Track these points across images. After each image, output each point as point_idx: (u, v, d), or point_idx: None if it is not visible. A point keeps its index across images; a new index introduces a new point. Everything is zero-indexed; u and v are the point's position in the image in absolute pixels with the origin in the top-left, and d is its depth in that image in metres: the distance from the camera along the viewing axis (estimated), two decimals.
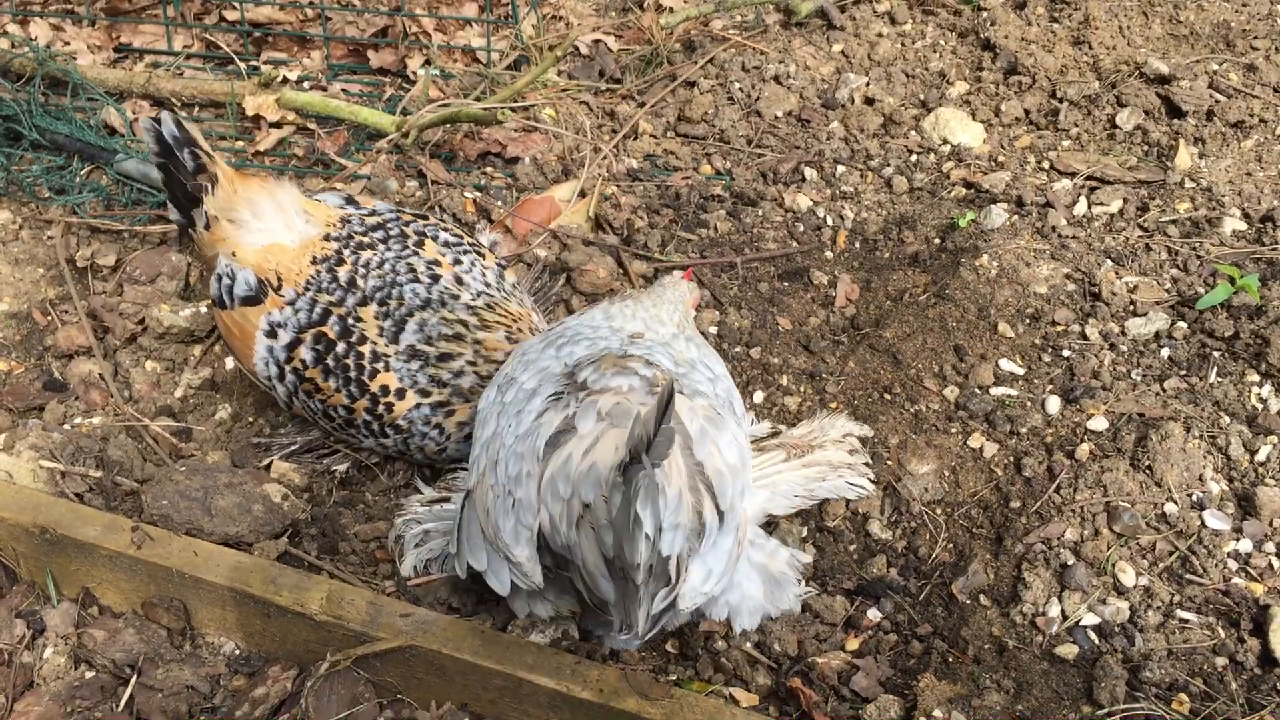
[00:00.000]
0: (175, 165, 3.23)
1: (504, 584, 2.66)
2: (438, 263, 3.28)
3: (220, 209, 3.24)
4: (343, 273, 3.22)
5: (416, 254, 3.28)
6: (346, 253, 3.26)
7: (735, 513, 2.57)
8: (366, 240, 3.29)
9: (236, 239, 3.25)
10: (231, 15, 5.08)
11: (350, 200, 3.49)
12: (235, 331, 3.26)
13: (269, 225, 3.27)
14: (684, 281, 3.19)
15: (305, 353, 3.16)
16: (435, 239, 3.35)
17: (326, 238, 3.28)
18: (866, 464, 3.20)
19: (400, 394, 3.13)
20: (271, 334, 3.20)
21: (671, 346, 2.86)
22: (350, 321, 3.16)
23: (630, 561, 2.31)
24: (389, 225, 3.35)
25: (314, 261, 3.24)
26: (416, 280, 3.22)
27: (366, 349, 3.15)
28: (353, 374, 3.15)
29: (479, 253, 3.39)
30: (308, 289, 3.20)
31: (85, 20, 5.11)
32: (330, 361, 3.15)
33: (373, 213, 3.41)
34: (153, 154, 3.25)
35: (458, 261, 3.31)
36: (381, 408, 3.14)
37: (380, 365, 3.14)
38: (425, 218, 3.45)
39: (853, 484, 3.13)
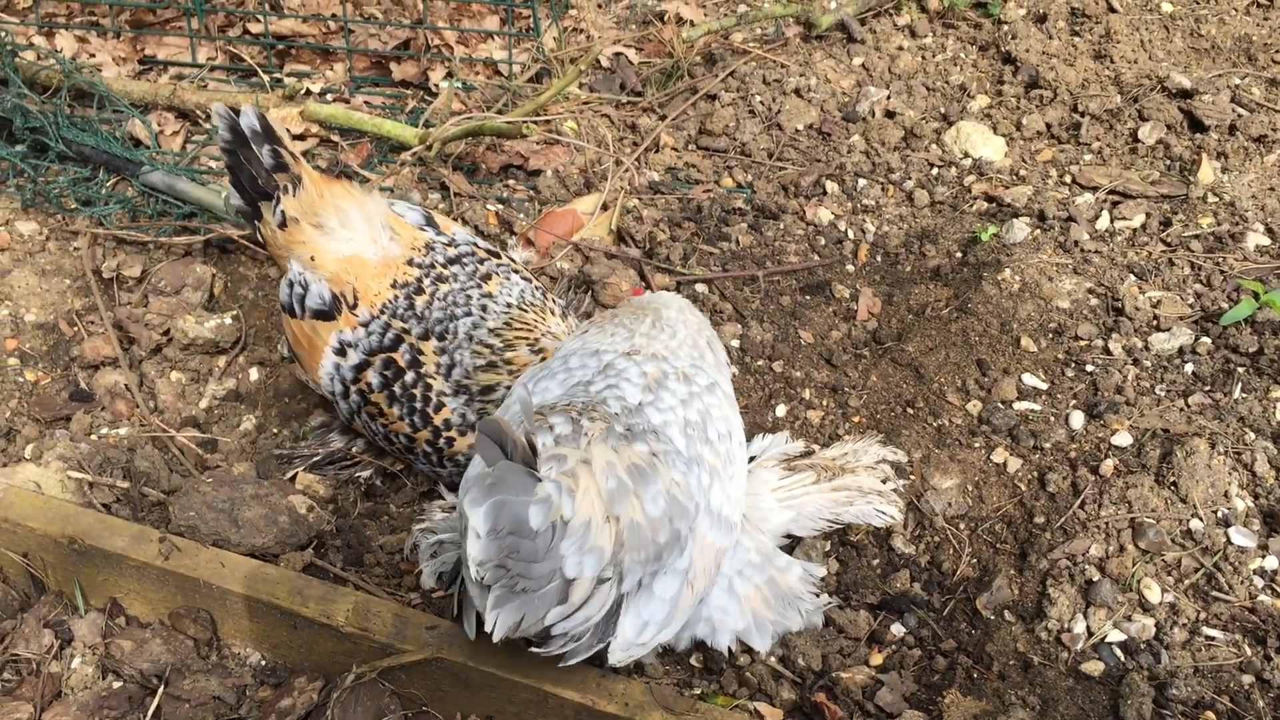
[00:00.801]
0: (247, 156, 3.20)
1: (472, 629, 2.67)
2: (491, 295, 3.26)
3: (303, 211, 3.20)
4: (420, 302, 3.20)
5: (480, 286, 3.27)
6: (427, 282, 3.23)
7: (667, 561, 2.49)
8: (446, 273, 3.27)
9: (318, 244, 3.21)
10: (255, 28, 5.11)
11: (430, 221, 3.45)
12: (303, 341, 3.25)
13: (355, 236, 3.23)
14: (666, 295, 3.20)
15: (373, 376, 3.16)
16: (497, 275, 3.33)
17: (410, 262, 3.26)
18: (897, 491, 3.19)
19: (462, 431, 3.14)
20: (340, 352, 3.18)
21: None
22: (418, 353, 3.15)
23: (463, 558, 2.29)
24: (464, 260, 3.33)
25: (394, 285, 3.21)
26: (469, 314, 3.21)
27: (435, 383, 3.15)
28: (418, 404, 3.14)
29: (513, 271, 3.39)
30: (383, 312, 3.18)
31: (110, 33, 5.15)
32: (397, 389, 3.15)
33: (452, 241, 3.37)
34: (221, 141, 3.21)
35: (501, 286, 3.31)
36: (443, 441, 3.15)
37: (444, 400, 3.15)
38: (498, 255, 3.41)
39: (881, 511, 3.12)
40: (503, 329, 3.20)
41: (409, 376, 3.14)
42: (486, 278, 3.29)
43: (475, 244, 3.42)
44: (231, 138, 3.20)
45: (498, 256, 3.41)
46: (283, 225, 3.22)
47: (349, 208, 3.24)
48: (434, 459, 3.19)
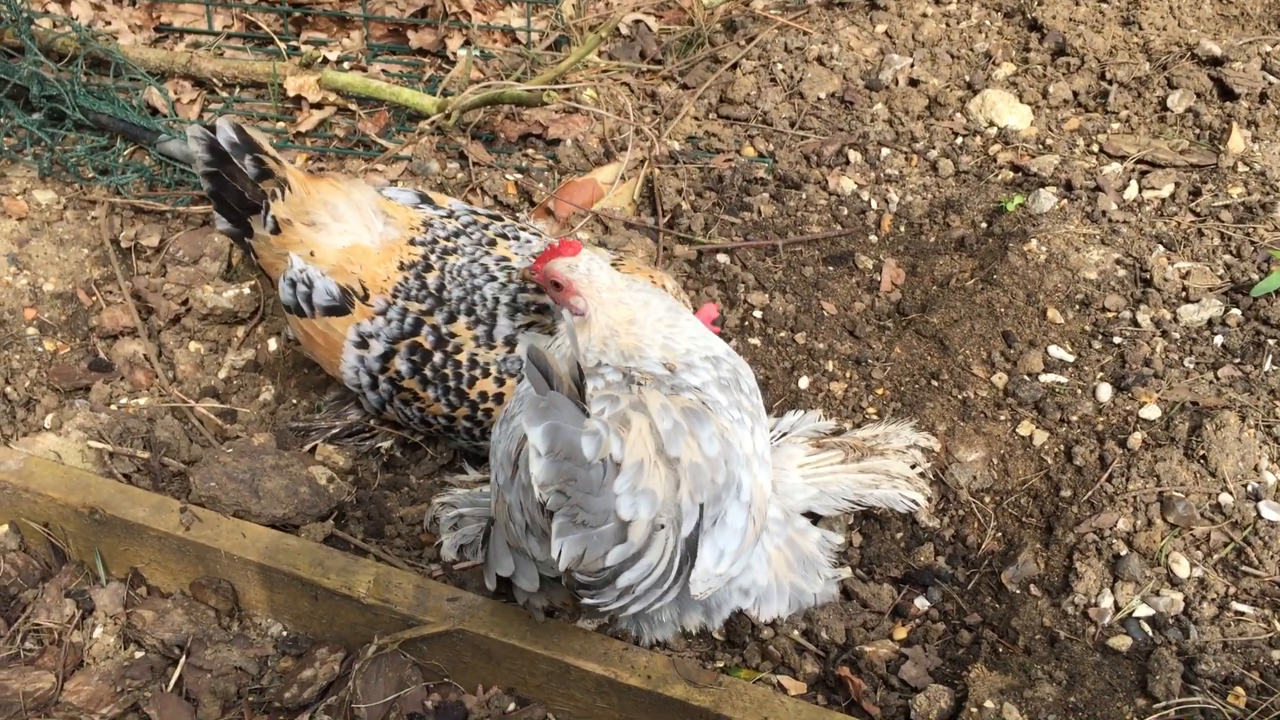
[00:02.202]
0: (231, 173, 3.21)
1: (533, 580, 2.61)
2: (507, 258, 3.22)
3: (293, 212, 3.20)
4: (431, 279, 3.17)
5: (489, 253, 3.24)
6: (433, 258, 3.21)
7: (727, 501, 2.46)
8: (451, 245, 3.24)
9: (314, 240, 3.21)
10: None
11: (425, 198, 3.44)
12: (319, 340, 3.22)
13: (348, 226, 3.22)
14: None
15: (400, 364, 3.13)
16: (505, 237, 3.30)
17: (411, 241, 3.23)
18: (925, 477, 3.15)
19: (499, 398, 3.10)
20: (362, 344, 3.15)
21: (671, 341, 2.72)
22: (444, 333, 3.12)
23: (523, 482, 2.23)
24: (468, 229, 3.30)
25: (402, 267, 3.19)
26: (493, 279, 3.17)
27: (464, 357, 3.10)
28: (451, 383, 3.11)
29: (521, 229, 3.35)
30: (396, 296, 3.15)
31: (126, 0, 5.11)
32: (428, 372, 3.12)
33: (450, 214, 3.36)
34: (201, 163, 3.23)
35: (518, 252, 3.27)
36: (481, 414, 3.12)
37: (478, 372, 3.10)
38: (500, 219, 3.39)
39: (906, 497, 3.07)
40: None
41: (437, 358, 3.11)
42: (493, 243, 3.26)
43: (475, 212, 3.40)
44: (211, 157, 3.21)
45: (500, 220, 3.38)
46: (275, 231, 3.22)
47: (336, 200, 3.24)
48: (475, 433, 3.16)
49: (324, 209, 3.22)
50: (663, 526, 2.31)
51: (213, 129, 3.19)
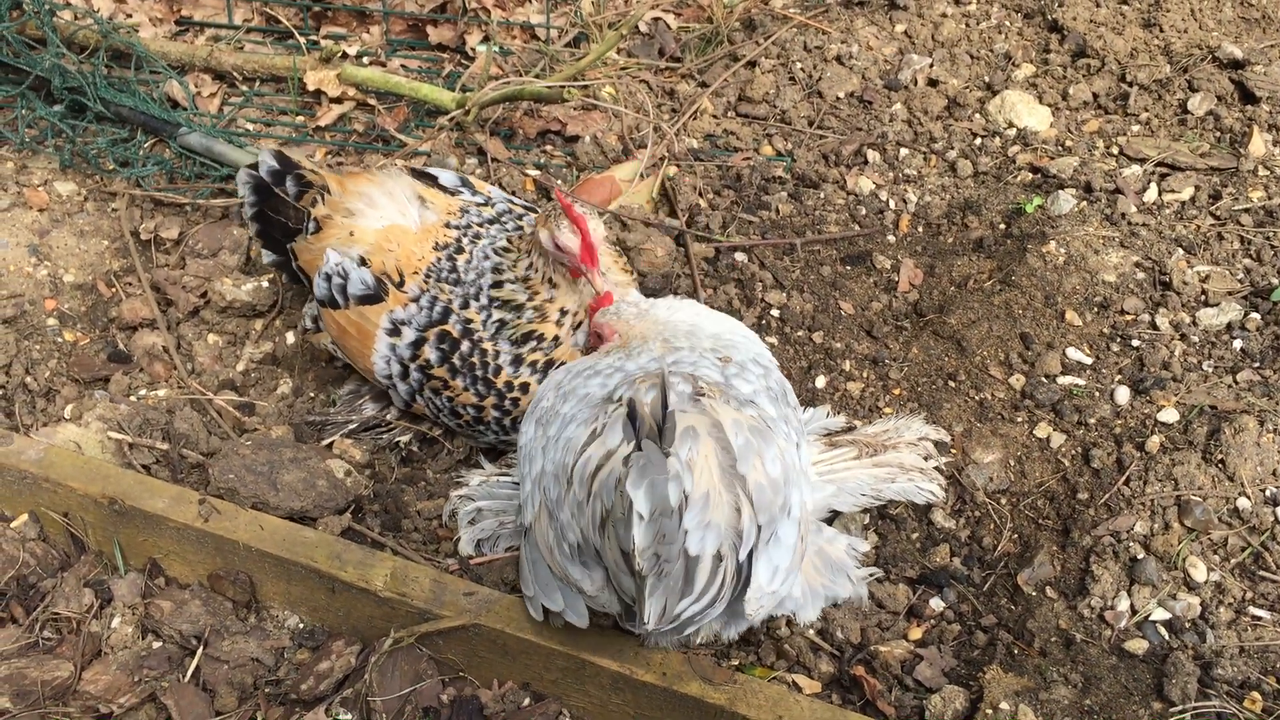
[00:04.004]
0: (275, 207, 3.33)
1: (583, 617, 2.59)
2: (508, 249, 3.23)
3: (332, 209, 3.28)
4: (461, 262, 3.19)
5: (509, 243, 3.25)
6: (465, 241, 3.23)
7: (780, 520, 2.44)
8: (484, 232, 3.26)
9: (353, 223, 3.27)
10: None
11: (465, 183, 3.46)
12: (351, 331, 3.23)
13: (385, 212, 3.28)
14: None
15: (430, 352, 3.13)
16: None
17: (448, 225, 3.26)
18: (939, 469, 3.15)
19: (524, 387, 3.11)
20: (394, 332, 3.16)
21: (716, 351, 2.72)
22: (468, 321, 3.13)
23: (624, 546, 2.22)
24: (503, 218, 3.32)
25: (436, 248, 3.21)
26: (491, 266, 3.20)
27: (489, 345, 3.12)
28: (479, 372, 3.11)
29: None
30: (429, 279, 3.16)
31: None
32: (456, 360, 3.12)
33: (488, 201, 3.38)
34: (248, 205, 3.38)
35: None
36: (508, 403, 3.12)
37: (503, 360, 3.11)
38: (534, 209, 3.39)
39: (922, 489, 3.09)
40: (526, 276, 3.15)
41: (465, 346, 3.12)
42: (519, 229, 3.27)
43: (511, 202, 3.42)
44: (256, 198, 3.37)
45: (535, 210, 3.38)
46: (316, 230, 3.29)
47: (372, 191, 3.31)
48: (505, 424, 3.16)
49: (360, 199, 3.30)
50: (723, 559, 2.30)
51: (256, 167, 3.36)
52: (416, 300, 3.15)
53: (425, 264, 3.19)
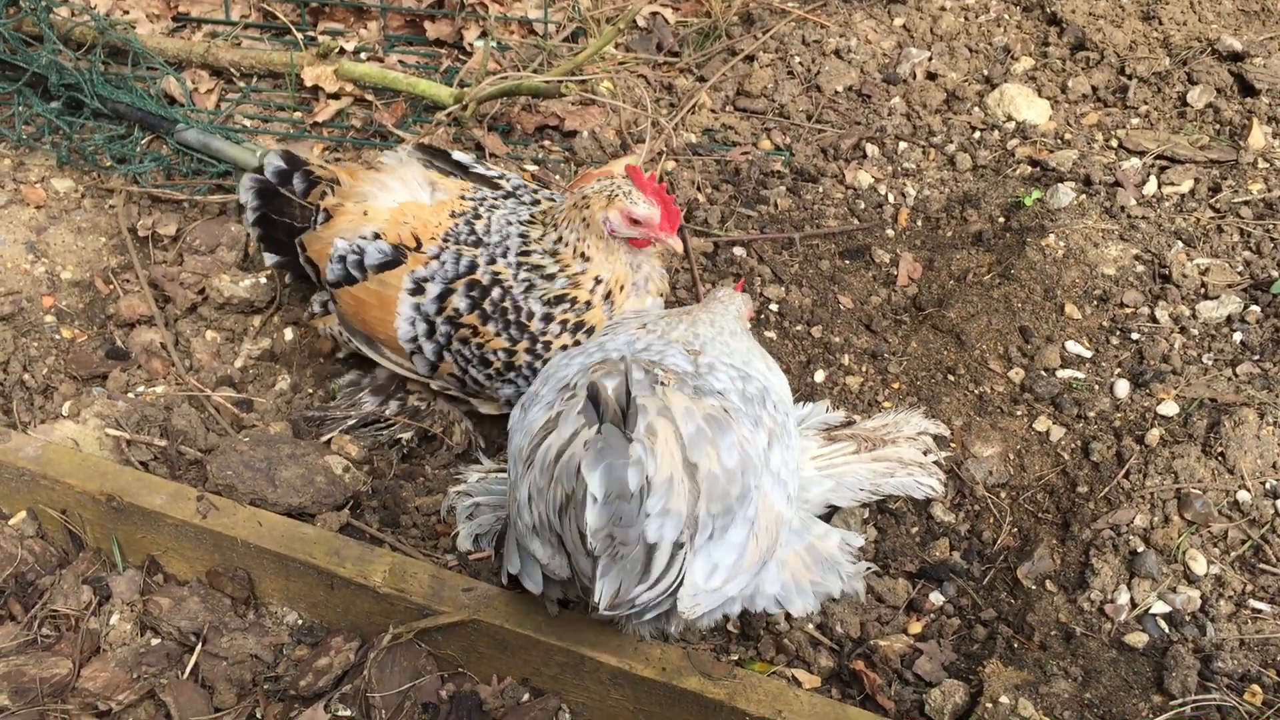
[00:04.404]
0: (279, 208, 3.32)
1: (537, 583, 2.59)
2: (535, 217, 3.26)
3: (341, 197, 3.29)
4: (480, 226, 3.20)
5: (531, 210, 3.28)
6: (483, 210, 3.24)
7: (736, 513, 2.42)
8: (501, 204, 3.27)
9: (367, 204, 3.26)
10: None
11: (478, 161, 3.49)
12: (371, 300, 3.20)
13: (397, 194, 3.29)
14: (737, 294, 3.12)
15: (459, 301, 3.12)
16: (553, 200, 3.33)
17: (463, 198, 3.28)
18: (938, 463, 3.15)
19: (558, 333, 3.11)
20: (417, 290, 3.15)
21: (708, 347, 2.77)
22: (496, 273, 3.13)
23: (579, 527, 2.21)
24: (519, 192, 3.34)
25: (453, 215, 3.22)
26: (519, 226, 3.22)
27: (520, 297, 3.12)
28: (511, 316, 3.10)
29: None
30: (448, 241, 3.18)
31: None
32: (487, 306, 3.11)
33: (501, 176, 3.40)
34: (250, 211, 3.35)
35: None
36: (540, 346, 3.10)
37: (535, 304, 3.11)
38: (548, 186, 3.39)
39: (921, 483, 3.08)
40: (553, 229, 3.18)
41: (495, 293, 3.11)
42: (536, 204, 3.30)
43: (524, 183, 3.44)
44: (259, 202, 3.35)
45: (548, 187, 3.38)
46: (327, 220, 3.29)
47: (383, 178, 3.32)
48: (537, 369, 3.11)
49: (372, 184, 3.31)
50: (682, 545, 2.28)
51: (261, 170, 3.35)
52: (438, 257, 3.16)
53: (443, 229, 3.19)
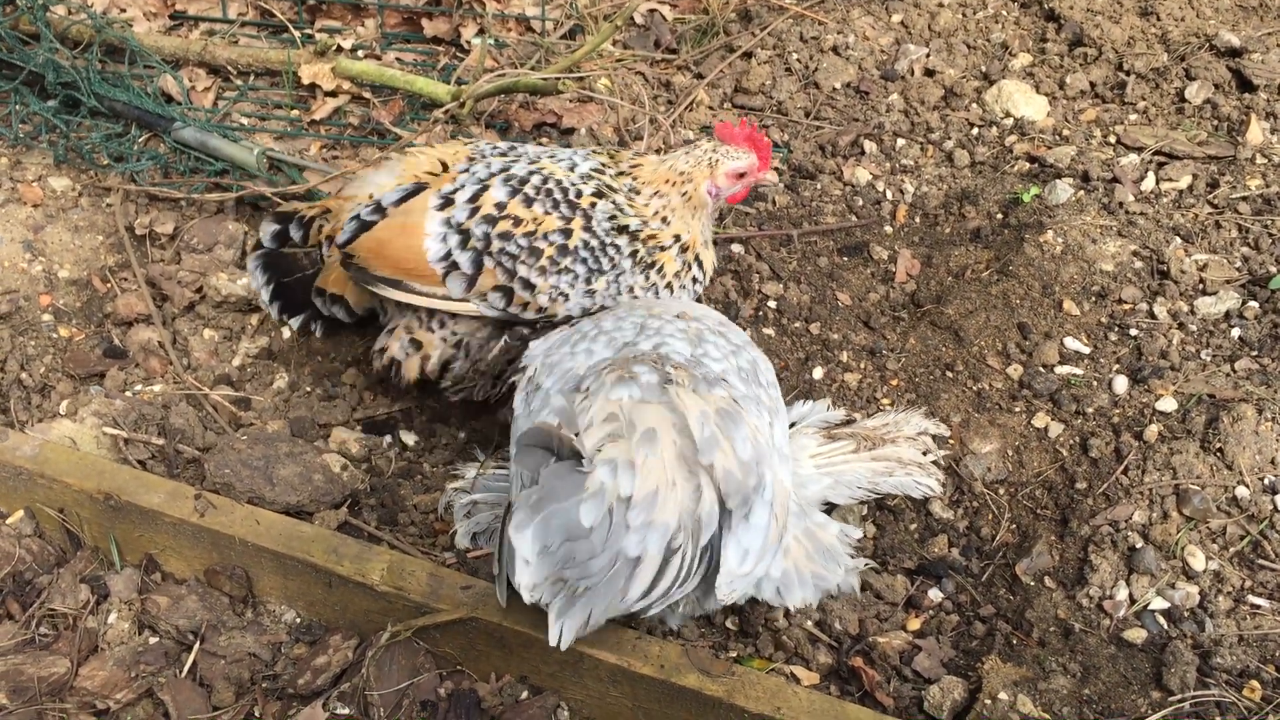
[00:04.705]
0: (286, 269, 3.27)
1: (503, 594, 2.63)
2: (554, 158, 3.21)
3: (337, 215, 3.22)
4: (495, 159, 3.13)
5: (540, 157, 3.20)
6: (490, 154, 3.17)
7: (754, 500, 2.45)
8: (510, 153, 3.20)
9: (366, 190, 3.17)
10: None
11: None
12: (393, 234, 3.03)
13: (390, 174, 3.21)
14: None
15: (497, 193, 3.00)
16: (553, 157, 3.25)
17: (469, 157, 3.19)
18: (937, 464, 3.15)
19: (611, 214, 3.04)
20: (447, 204, 3.01)
21: (698, 323, 2.80)
22: (539, 168, 3.05)
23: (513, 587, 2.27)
24: (513, 150, 3.26)
25: (469, 159, 3.14)
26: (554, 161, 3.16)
27: (562, 176, 3.03)
28: (558, 196, 3.01)
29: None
30: (475, 159, 3.12)
31: None
32: (529, 190, 3.01)
33: (494, 146, 3.31)
34: (264, 290, 3.28)
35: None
36: (595, 224, 3.00)
37: (584, 185, 3.03)
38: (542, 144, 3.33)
39: (920, 483, 3.08)
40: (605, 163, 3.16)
41: (536, 179, 3.03)
42: (537, 158, 3.22)
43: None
44: (268, 275, 3.29)
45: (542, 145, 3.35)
46: (330, 243, 3.22)
47: (369, 174, 3.25)
48: (594, 249, 3.01)
49: (363, 182, 3.24)
50: (677, 549, 2.31)
51: (260, 246, 3.27)
52: (467, 170, 3.06)
53: (464, 157, 3.12)
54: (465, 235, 3.00)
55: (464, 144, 3.25)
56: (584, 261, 3.01)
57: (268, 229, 3.29)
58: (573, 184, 3.04)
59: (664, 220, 3.07)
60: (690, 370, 2.53)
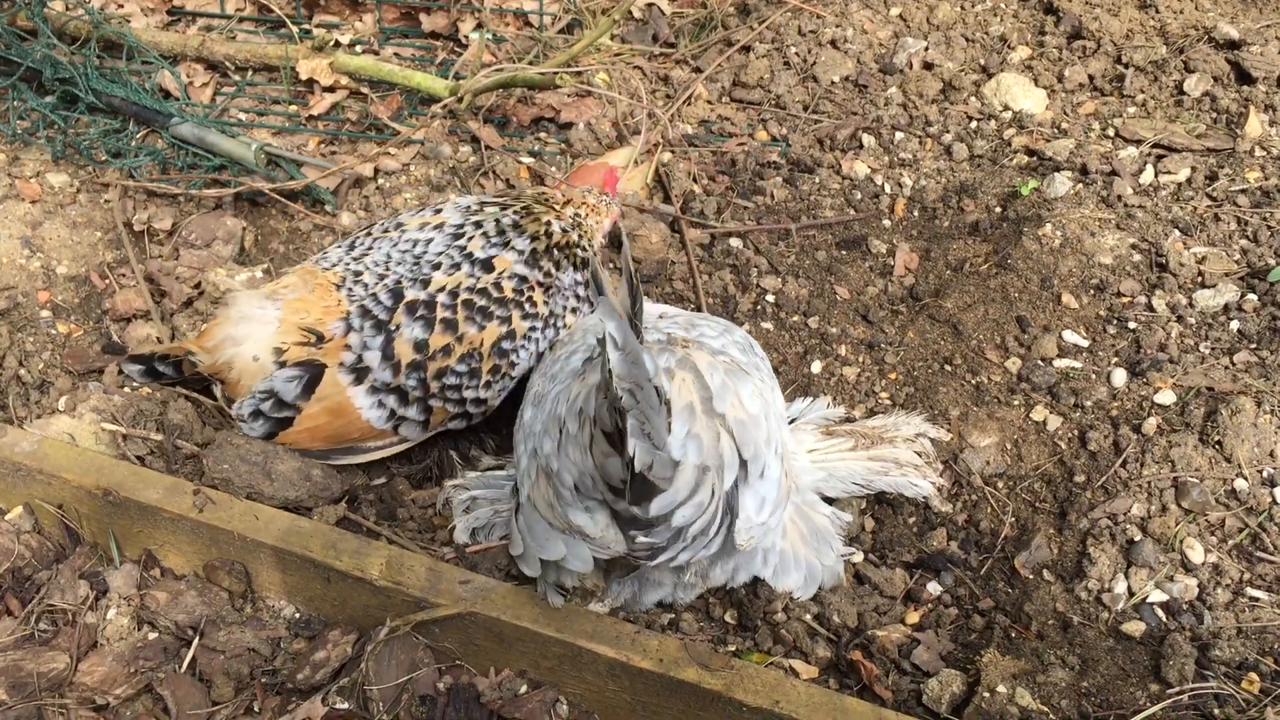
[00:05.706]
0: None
1: (587, 561, 2.61)
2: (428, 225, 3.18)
3: (210, 366, 3.13)
4: (368, 277, 3.05)
5: (402, 235, 3.15)
6: (355, 266, 3.10)
7: (762, 455, 2.50)
8: (366, 248, 3.14)
9: (248, 350, 3.05)
10: None
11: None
12: (325, 420, 3.00)
13: (253, 329, 3.05)
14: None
15: (410, 331, 2.93)
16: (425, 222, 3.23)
17: (321, 267, 3.14)
18: (933, 466, 3.15)
19: (536, 285, 3.05)
20: (360, 375, 2.95)
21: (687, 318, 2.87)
22: (427, 279, 3.00)
23: (603, 375, 2.19)
24: (370, 231, 3.21)
25: (338, 288, 3.06)
26: (429, 241, 3.14)
27: (481, 250, 3.00)
28: (479, 303, 2.96)
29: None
30: (351, 301, 3.02)
31: None
32: (447, 315, 2.94)
33: (345, 234, 3.19)
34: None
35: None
36: (527, 303, 2.98)
37: (496, 249, 3.01)
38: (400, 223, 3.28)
39: (915, 484, 3.07)
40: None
41: (442, 298, 2.97)
42: (400, 226, 3.18)
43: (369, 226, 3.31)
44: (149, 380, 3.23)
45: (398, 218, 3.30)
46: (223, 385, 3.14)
47: (226, 330, 3.09)
48: (540, 329, 3.00)
49: (226, 343, 3.09)
50: (708, 469, 2.38)
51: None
52: (349, 325, 2.97)
53: (335, 300, 3.02)
54: (402, 393, 2.96)
55: (317, 271, 3.10)
56: (541, 339, 3.06)
57: (132, 368, 3.28)
58: (489, 255, 2.96)
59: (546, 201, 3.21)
60: (694, 340, 2.63)
